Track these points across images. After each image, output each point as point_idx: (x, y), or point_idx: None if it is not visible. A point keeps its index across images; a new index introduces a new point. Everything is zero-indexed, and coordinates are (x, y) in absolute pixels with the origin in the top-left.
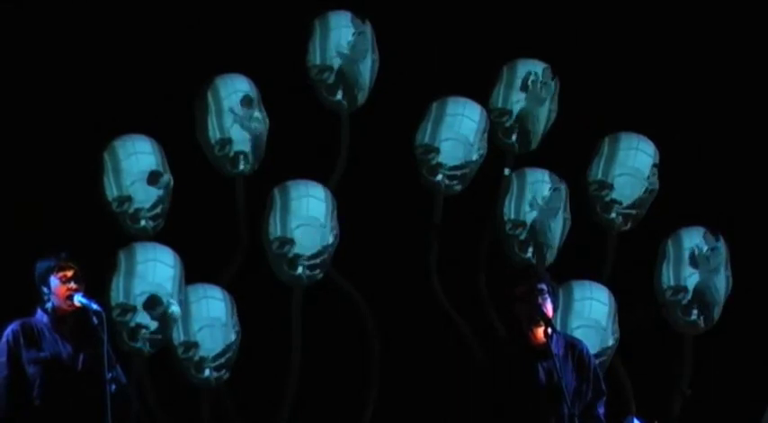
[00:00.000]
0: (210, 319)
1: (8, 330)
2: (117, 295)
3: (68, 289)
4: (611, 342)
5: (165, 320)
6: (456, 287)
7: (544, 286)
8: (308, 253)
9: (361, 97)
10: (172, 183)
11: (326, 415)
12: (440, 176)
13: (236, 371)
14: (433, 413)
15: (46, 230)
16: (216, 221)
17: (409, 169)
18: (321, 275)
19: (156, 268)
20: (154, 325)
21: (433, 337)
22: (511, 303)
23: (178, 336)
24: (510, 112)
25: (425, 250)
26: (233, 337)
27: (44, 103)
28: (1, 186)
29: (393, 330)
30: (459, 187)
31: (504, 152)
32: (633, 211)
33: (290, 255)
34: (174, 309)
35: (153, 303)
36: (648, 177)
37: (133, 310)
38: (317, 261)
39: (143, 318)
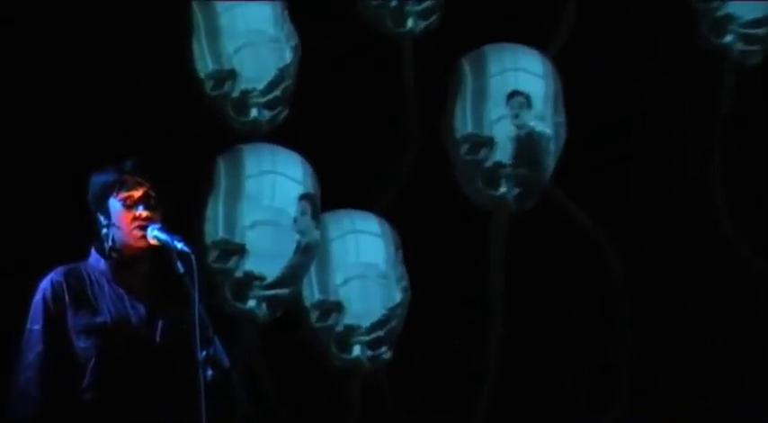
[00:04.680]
0: (362, 266)
1: (45, 282)
2: (215, 229)
3: (137, 217)
4: None
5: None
6: (754, 218)
7: None
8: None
9: None
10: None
11: (545, 399)
12: (729, 37)
13: (403, 347)
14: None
15: (105, 130)
16: (369, 109)
17: (679, 27)
18: (535, 198)
19: (275, 185)
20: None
21: (716, 289)
22: None
23: (311, 293)
24: None
25: (703, 157)
26: (398, 295)
27: None
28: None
29: (649, 278)
30: (758, 56)
31: None
32: None
33: (489, 163)
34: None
35: None
36: None
37: (240, 251)
38: (531, 174)
39: (256, 263)
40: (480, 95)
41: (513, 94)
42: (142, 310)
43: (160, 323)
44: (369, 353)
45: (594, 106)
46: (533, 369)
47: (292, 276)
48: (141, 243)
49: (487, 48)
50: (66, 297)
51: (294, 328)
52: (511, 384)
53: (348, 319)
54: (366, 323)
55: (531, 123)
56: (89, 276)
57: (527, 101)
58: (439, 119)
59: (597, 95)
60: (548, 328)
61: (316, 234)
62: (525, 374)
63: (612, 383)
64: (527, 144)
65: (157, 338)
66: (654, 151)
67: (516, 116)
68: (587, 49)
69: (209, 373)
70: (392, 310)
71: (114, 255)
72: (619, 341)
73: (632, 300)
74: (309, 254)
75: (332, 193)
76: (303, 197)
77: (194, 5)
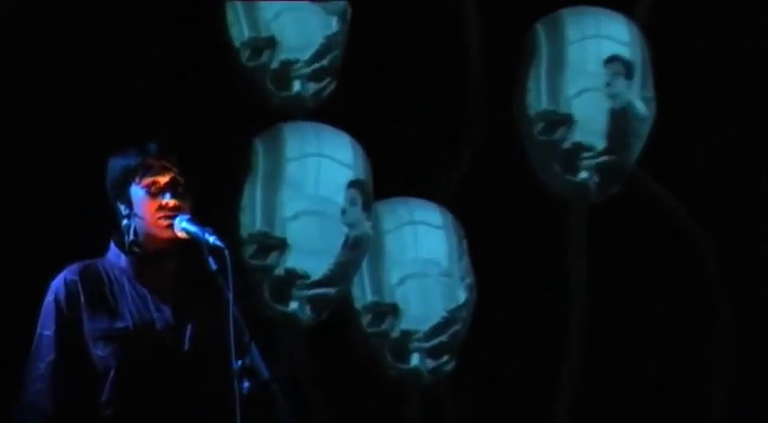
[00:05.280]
0: (421, 263)
1: (58, 282)
2: (252, 219)
3: (163, 206)
4: None
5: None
6: None
7: None
8: (601, 145)
9: None
10: (348, 11)
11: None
12: None
13: (469, 356)
14: None
15: (126, 108)
16: (428, 83)
17: None
18: (620, 184)
19: (321, 170)
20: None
21: None
22: None
23: (363, 293)
24: None
25: None
26: (462, 295)
27: None
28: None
29: (743, 269)
30: None
31: None
32: None
33: (567, 144)
34: None
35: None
36: None
37: (281, 245)
38: (615, 158)
39: (299, 260)
40: (557, 66)
41: (612, 59)
42: (168, 313)
43: (189, 328)
44: (429, 362)
45: (687, 76)
46: (619, 364)
47: (340, 274)
48: (168, 236)
49: (565, 11)
50: (82, 298)
51: (343, 333)
52: (594, 385)
53: (405, 324)
54: (426, 328)
55: (628, 97)
56: (108, 275)
57: (624, 70)
58: (509, 94)
59: (689, 63)
60: (634, 321)
61: (367, 226)
62: (610, 370)
63: (703, 377)
64: (621, 122)
65: (186, 346)
66: (754, 125)
67: (608, 85)
68: (677, 10)
69: (246, 385)
70: (456, 311)
71: (136, 249)
72: (714, 334)
73: (727, 291)
74: (360, 249)
75: (386, 180)
76: (353, 184)
77: None
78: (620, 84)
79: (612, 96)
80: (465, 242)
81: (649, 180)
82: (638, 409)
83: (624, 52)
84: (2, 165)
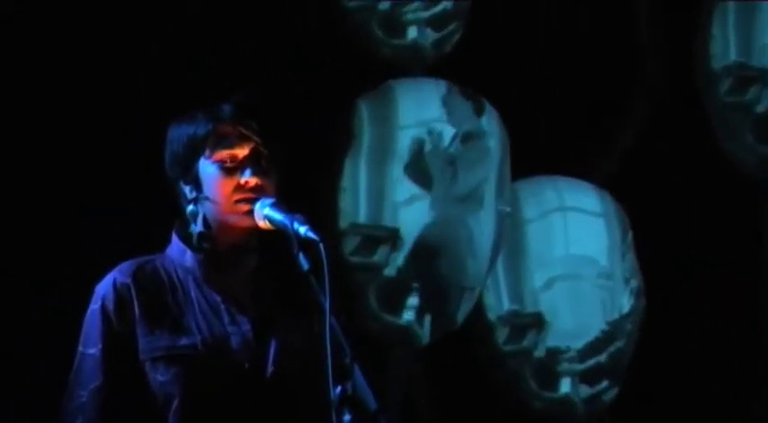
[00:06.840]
0: (573, 261)
1: (105, 286)
2: (354, 205)
3: (241, 186)
4: None
5: None
6: None
7: None
8: None
9: None
10: None
11: None
12: None
13: (636, 381)
14: None
15: (192, 59)
16: (583, 30)
17: None
18: None
19: None
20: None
21: None
22: None
23: (498, 301)
24: None
25: None
26: (627, 303)
27: None
28: None
29: None
30: None
31: None
32: None
33: (761, 108)
34: None
35: None
36: None
37: (392, 238)
38: None
39: (417, 256)
40: (749, 8)
41: None
42: (247, 326)
43: (273, 346)
44: (584, 389)
45: None
46: None
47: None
48: (247, 225)
49: None
50: (136, 307)
51: (472, 351)
52: None
53: (553, 340)
54: (579, 344)
55: None
56: (169, 276)
57: None
58: (686, 44)
59: None
60: None
61: (504, 210)
62: None
63: None
64: None
65: (269, 368)
66: None
67: None
68: None
69: (347, 418)
70: (619, 324)
71: (206, 244)
72: None
73: None
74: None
75: (528, 153)
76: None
77: None
78: None
79: None
80: (630, 235)
81: None
82: None
83: None
84: (43, 147)
